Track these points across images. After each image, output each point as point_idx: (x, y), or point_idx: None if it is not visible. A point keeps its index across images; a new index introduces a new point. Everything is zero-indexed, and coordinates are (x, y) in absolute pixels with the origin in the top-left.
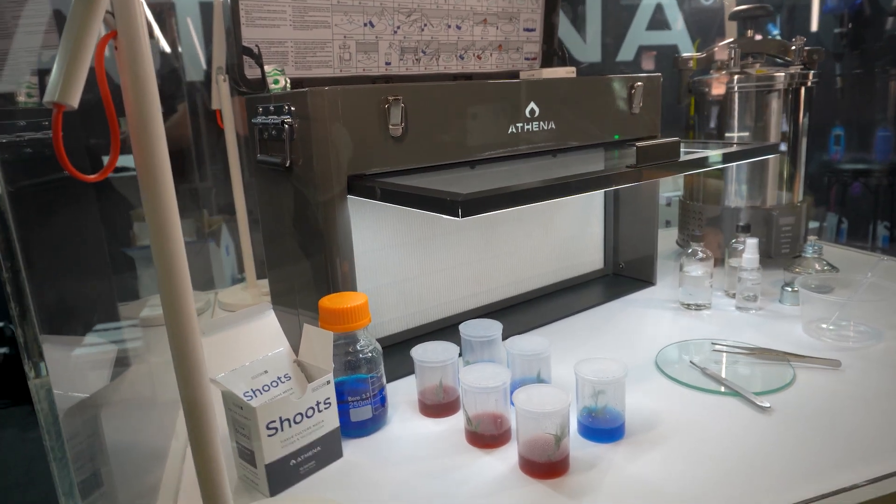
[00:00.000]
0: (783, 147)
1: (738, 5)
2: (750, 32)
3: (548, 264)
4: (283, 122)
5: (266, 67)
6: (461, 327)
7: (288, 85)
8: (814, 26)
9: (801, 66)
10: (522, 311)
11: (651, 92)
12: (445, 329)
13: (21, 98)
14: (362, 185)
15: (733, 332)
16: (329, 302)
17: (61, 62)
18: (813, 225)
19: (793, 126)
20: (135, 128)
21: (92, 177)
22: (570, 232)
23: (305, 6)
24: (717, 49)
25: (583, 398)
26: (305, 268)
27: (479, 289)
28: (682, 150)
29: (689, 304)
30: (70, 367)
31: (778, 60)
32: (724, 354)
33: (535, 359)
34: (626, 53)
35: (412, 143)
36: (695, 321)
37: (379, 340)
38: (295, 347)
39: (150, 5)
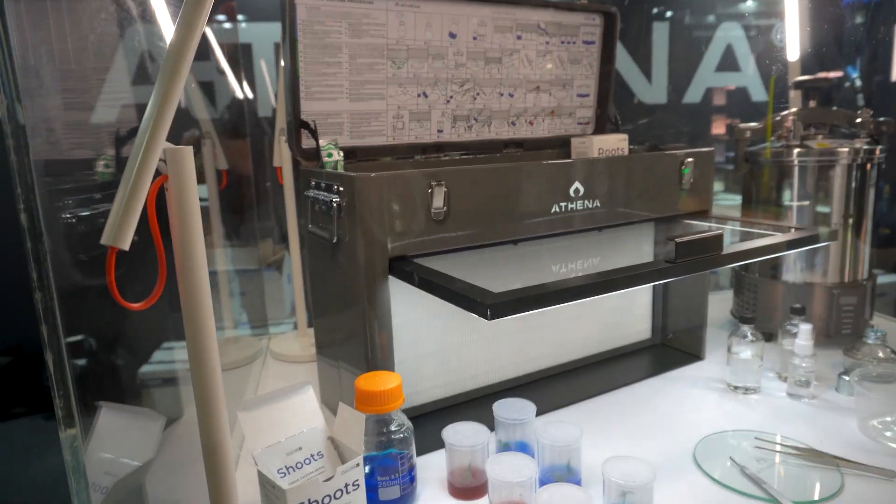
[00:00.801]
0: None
1: (801, 74)
2: (812, 103)
3: (593, 334)
4: (332, 201)
5: (321, 140)
6: (494, 407)
7: (341, 159)
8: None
9: (868, 140)
10: (564, 382)
11: (703, 166)
12: (485, 398)
13: (99, 168)
14: (402, 269)
15: (782, 424)
16: (364, 383)
17: (118, 207)
18: (890, 279)
19: (857, 202)
20: (181, 263)
21: (136, 305)
22: (617, 300)
23: (362, 80)
24: (777, 119)
25: (609, 498)
26: (347, 333)
27: (520, 358)
28: (736, 227)
29: (736, 387)
30: (120, 437)
31: (844, 131)
32: (768, 452)
33: (564, 450)
34: (693, 95)
35: (455, 225)
36: (741, 406)
37: (415, 409)
38: (332, 405)
39: (224, 45)
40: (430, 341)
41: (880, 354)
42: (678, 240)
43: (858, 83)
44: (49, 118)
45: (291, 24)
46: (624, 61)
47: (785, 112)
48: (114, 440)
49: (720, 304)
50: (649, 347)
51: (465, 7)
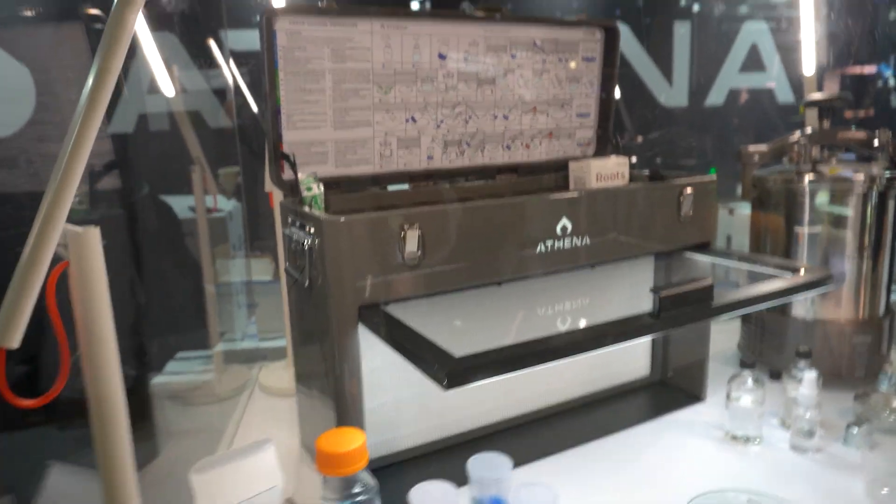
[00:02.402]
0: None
1: (818, 91)
2: (826, 123)
3: (586, 372)
4: (304, 242)
5: (301, 174)
6: (469, 464)
7: (320, 193)
8: None
9: (888, 163)
10: (553, 427)
11: (705, 195)
12: (468, 443)
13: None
14: (371, 320)
15: (780, 482)
16: (325, 443)
17: (7, 304)
18: None
19: (875, 233)
20: (87, 352)
21: (30, 402)
22: None
23: (347, 107)
24: (787, 142)
25: None
26: (319, 375)
27: (506, 400)
28: (739, 265)
29: (735, 436)
30: (68, 499)
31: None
32: None
33: None
34: (716, 97)
35: (430, 270)
36: (739, 460)
37: (392, 456)
38: (312, 448)
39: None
40: (409, 385)
41: (894, 404)
42: (662, 293)
43: (892, 82)
44: (26, 149)
45: (270, 50)
46: (643, 63)
47: (796, 134)
48: (62, 502)
49: (727, 334)
50: (648, 386)
51: (456, 26)
